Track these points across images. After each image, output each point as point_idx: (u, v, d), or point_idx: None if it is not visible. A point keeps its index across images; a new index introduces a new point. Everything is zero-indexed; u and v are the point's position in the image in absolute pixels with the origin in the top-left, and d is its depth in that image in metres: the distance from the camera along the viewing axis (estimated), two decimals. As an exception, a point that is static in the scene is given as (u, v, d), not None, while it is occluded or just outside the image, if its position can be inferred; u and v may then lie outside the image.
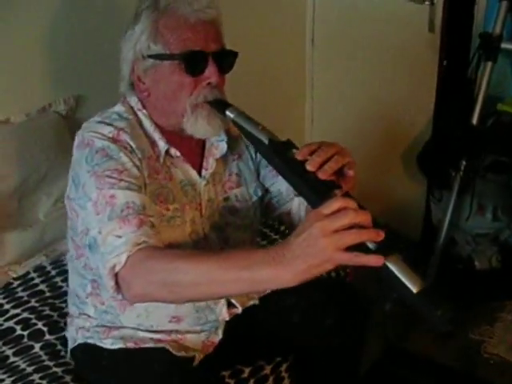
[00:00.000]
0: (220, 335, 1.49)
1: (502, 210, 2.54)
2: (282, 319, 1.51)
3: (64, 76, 2.04)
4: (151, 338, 1.42)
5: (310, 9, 3.02)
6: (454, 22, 2.49)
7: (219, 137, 1.43)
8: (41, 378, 1.45)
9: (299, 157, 1.11)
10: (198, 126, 1.33)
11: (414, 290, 0.94)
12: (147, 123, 1.38)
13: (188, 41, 1.30)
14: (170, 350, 1.40)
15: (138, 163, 1.29)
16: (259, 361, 1.58)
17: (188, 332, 1.45)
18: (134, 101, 1.40)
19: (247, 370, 1.55)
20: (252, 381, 1.54)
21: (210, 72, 1.31)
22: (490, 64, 2.33)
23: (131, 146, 1.30)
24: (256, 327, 1.53)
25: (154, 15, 1.32)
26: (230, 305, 1.50)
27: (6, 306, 1.71)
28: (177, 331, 1.44)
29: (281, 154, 1.17)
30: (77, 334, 1.48)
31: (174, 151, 1.37)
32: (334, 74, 3.06)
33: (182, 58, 1.30)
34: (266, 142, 1.20)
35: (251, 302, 1.54)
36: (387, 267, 0.96)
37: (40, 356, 1.53)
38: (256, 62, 2.74)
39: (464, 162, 2.38)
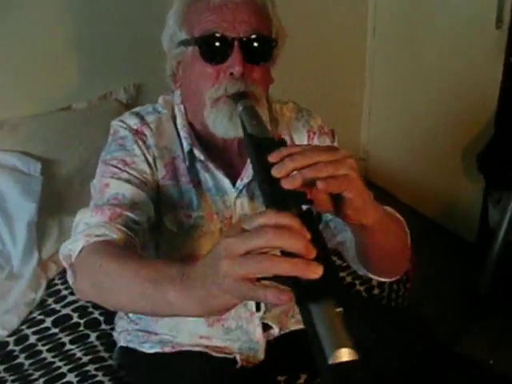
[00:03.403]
0: (261, 357, 1.35)
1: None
2: None
3: (125, 64, 2.06)
4: (189, 343, 1.33)
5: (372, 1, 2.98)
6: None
7: None
8: (96, 370, 1.45)
9: (271, 158, 0.85)
10: (218, 122, 1.16)
11: (330, 359, 0.65)
12: (180, 120, 1.27)
13: (210, 23, 1.15)
14: (209, 352, 1.32)
15: (151, 160, 1.22)
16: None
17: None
18: (176, 94, 1.30)
19: (303, 377, 1.44)
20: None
21: (234, 60, 1.13)
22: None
23: (150, 142, 1.23)
24: (302, 351, 1.32)
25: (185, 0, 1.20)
26: (266, 326, 1.35)
27: (64, 292, 1.73)
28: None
29: (257, 153, 0.92)
30: (119, 335, 1.44)
31: (197, 153, 1.23)
32: (395, 67, 3.02)
33: (199, 42, 1.16)
34: (251, 133, 1.00)
35: (294, 324, 1.39)
36: (309, 314, 0.68)
37: (96, 346, 1.54)
38: (316, 53, 2.72)
39: (526, 164, 2.31)
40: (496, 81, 2.48)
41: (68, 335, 1.58)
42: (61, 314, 1.65)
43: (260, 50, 1.17)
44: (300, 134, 1.34)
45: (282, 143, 0.91)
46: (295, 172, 0.83)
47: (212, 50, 1.15)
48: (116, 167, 1.18)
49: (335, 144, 1.37)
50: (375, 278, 1.24)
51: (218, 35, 1.14)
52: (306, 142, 1.33)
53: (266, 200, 0.85)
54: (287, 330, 1.39)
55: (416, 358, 1.31)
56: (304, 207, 0.80)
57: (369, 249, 1.10)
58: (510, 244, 2.52)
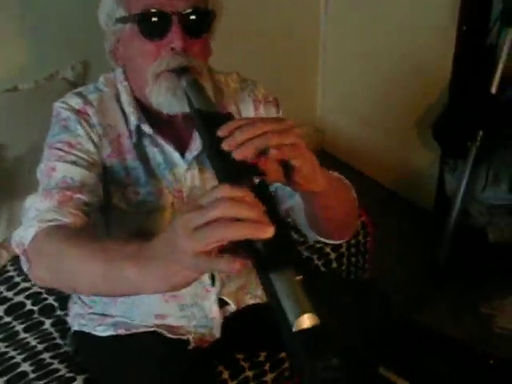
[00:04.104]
0: (217, 335, 1.36)
1: (518, 182, 2.49)
2: None
3: (71, 42, 2.00)
4: (143, 325, 1.33)
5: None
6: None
7: None
8: (52, 358, 1.42)
9: (220, 132, 0.85)
10: (161, 98, 1.16)
11: (294, 326, 0.67)
12: (124, 97, 1.25)
13: (146, 0, 1.14)
14: (163, 332, 1.31)
15: (95, 139, 1.20)
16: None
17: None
18: (118, 72, 1.28)
19: (263, 354, 1.44)
20: (268, 364, 1.43)
21: (173, 35, 1.13)
22: (511, 31, 2.25)
23: (93, 121, 1.21)
24: (260, 327, 1.32)
25: None
26: (222, 302, 1.36)
27: (17, 279, 1.69)
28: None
29: (206, 129, 0.92)
30: (73, 321, 1.43)
31: (146, 128, 1.22)
32: (349, 37, 3.01)
33: (138, 19, 1.14)
34: (198, 108, 1.00)
35: (251, 300, 1.40)
36: (271, 283, 0.71)
37: (51, 333, 1.51)
38: (268, 31, 2.70)
39: (481, 133, 2.32)
40: (450, 49, 2.48)
41: (22, 323, 1.55)
42: (13, 301, 1.61)
43: (199, 23, 1.17)
44: (246, 104, 1.34)
45: (229, 117, 0.92)
46: (246, 142, 0.84)
47: (151, 26, 1.14)
48: (61, 150, 1.17)
49: (280, 112, 1.37)
50: (326, 240, 1.27)
51: (156, 11, 1.13)
52: (252, 112, 1.33)
53: (218, 175, 0.86)
54: (244, 306, 1.39)
55: (372, 327, 1.34)
56: (257, 180, 0.82)
57: (319, 213, 1.13)
58: (467, 213, 2.55)
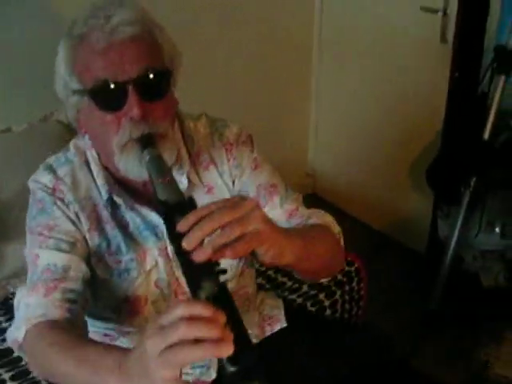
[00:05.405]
0: (213, 375, 1.33)
1: (511, 227, 2.49)
2: (289, 362, 1.33)
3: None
4: None
5: (318, 13, 2.99)
6: (467, 34, 2.43)
7: (179, 170, 1.21)
8: (40, 407, 1.39)
9: (179, 228, 0.85)
10: (130, 166, 1.11)
11: None
12: (94, 166, 1.22)
13: (98, 70, 1.06)
14: None
15: (73, 217, 1.18)
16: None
17: None
18: (86, 138, 1.23)
19: None
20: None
21: (130, 104, 1.06)
22: (503, 77, 2.28)
23: (68, 198, 1.19)
24: None
25: (68, 44, 1.12)
26: None
27: (4, 325, 1.66)
28: None
29: (169, 224, 0.91)
30: None
31: (117, 199, 1.20)
32: (341, 83, 3.04)
33: (91, 93, 1.08)
34: (160, 199, 0.96)
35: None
36: None
37: (39, 382, 1.47)
38: (262, 68, 2.72)
39: (474, 178, 2.33)
40: (442, 96, 2.51)
41: (8, 371, 1.51)
42: (1, 347, 1.58)
43: (156, 86, 1.11)
44: (218, 150, 1.29)
45: (191, 204, 0.92)
46: (206, 240, 0.84)
47: (106, 98, 1.08)
48: (41, 234, 1.17)
49: (254, 152, 1.32)
50: (309, 282, 1.32)
51: (109, 82, 1.06)
52: (225, 158, 1.29)
53: (183, 272, 0.88)
54: None
55: (374, 372, 1.33)
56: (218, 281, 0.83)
57: (297, 272, 1.17)
58: (460, 258, 2.55)
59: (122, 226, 1.22)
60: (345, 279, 1.83)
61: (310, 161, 3.33)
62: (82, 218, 1.19)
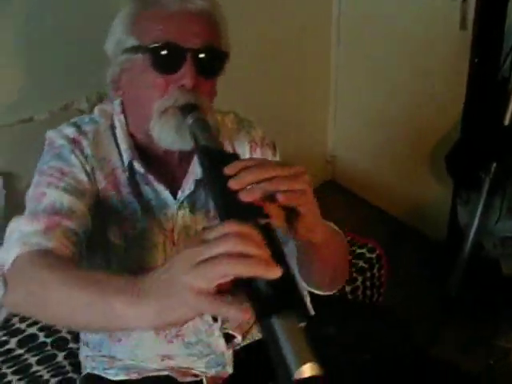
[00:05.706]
0: (230, 371, 1.32)
1: (531, 214, 2.47)
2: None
3: (86, 73, 2.00)
4: (155, 368, 1.29)
5: (336, 7, 2.97)
6: (487, 19, 2.41)
7: None
8: (65, 392, 1.41)
9: (227, 171, 0.84)
10: (165, 133, 1.12)
11: (295, 375, 0.65)
12: (119, 130, 1.22)
13: (162, 31, 1.10)
14: (175, 376, 1.28)
15: (89, 170, 1.17)
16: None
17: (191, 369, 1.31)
18: (116, 103, 1.25)
19: None
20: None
21: (186, 72, 1.09)
22: (524, 62, 2.26)
23: (87, 152, 1.18)
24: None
25: (135, 6, 1.16)
26: (229, 336, 1.32)
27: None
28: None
29: (213, 166, 0.90)
30: (85, 361, 1.38)
31: (137, 166, 1.19)
32: (360, 73, 3.03)
33: (151, 50, 1.10)
34: (207, 145, 0.99)
35: (259, 331, 1.33)
36: (272, 328, 0.68)
37: (64, 366, 1.50)
38: (280, 64, 2.72)
39: (494, 165, 2.32)
40: (462, 82, 2.49)
41: (35, 355, 1.53)
42: (26, 333, 1.59)
43: (212, 64, 1.14)
44: (242, 145, 1.32)
45: (236, 156, 0.91)
46: (254, 185, 0.82)
47: (164, 59, 1.10)
48: (52, 176, 1.13)
49: (277, 156, 1.35)
50: (314, 291, 1.24)
51: (171, 45, 1.09)
52: (248, 154, 1.31)
53: (221, 213, 0.83)
54: (251, 338, 1.36)
55: (394, 359, 1.34)
56: (262, 222, 0.79)
57: (313, 264, 1.12)
58: (480, 245, 2.53)
59: (138, 194, 1.22)
60: (366, 266, 1.84)
61: (329, 148, 3.32)
62: (99, 177, 1.19)
